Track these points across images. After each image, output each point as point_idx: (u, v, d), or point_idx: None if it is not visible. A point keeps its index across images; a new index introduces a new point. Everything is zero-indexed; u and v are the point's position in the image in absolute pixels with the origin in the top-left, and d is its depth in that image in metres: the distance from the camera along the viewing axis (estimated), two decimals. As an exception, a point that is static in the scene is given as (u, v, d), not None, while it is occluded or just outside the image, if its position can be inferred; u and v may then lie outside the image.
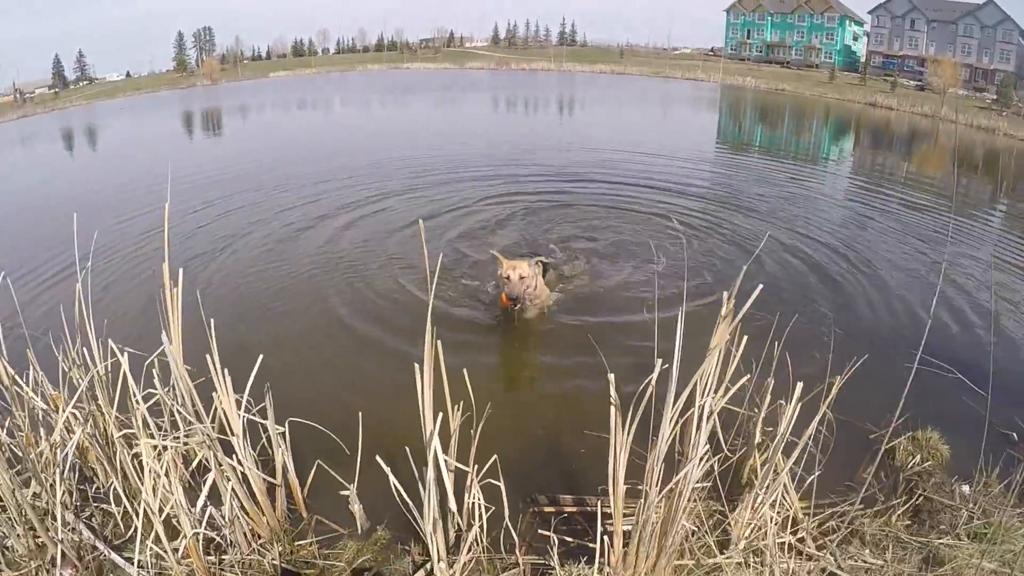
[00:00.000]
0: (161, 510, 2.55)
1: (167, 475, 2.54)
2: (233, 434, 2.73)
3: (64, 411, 2.90)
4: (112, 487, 2.88)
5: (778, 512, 2.82)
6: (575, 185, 11.02)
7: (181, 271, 3.04)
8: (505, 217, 8.80)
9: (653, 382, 2.26)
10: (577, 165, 13.03)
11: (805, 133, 26.48)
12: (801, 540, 2.91)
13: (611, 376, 2.37)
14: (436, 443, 2.41)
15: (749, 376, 2.87)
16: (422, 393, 2.47)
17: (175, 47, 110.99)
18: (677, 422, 2.27)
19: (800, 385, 2.69)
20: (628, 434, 2.28)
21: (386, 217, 8.94)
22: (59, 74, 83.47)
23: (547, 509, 3.23)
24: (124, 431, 2.94)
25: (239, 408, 2.78)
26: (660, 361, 2.24)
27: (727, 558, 2.70)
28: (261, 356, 2.94)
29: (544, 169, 12.73)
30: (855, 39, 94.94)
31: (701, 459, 2.33)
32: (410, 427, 2.76)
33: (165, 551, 2.59)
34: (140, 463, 2.63)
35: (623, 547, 2.49)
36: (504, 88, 47.44)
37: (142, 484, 2.55)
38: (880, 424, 3.90)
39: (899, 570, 2.72)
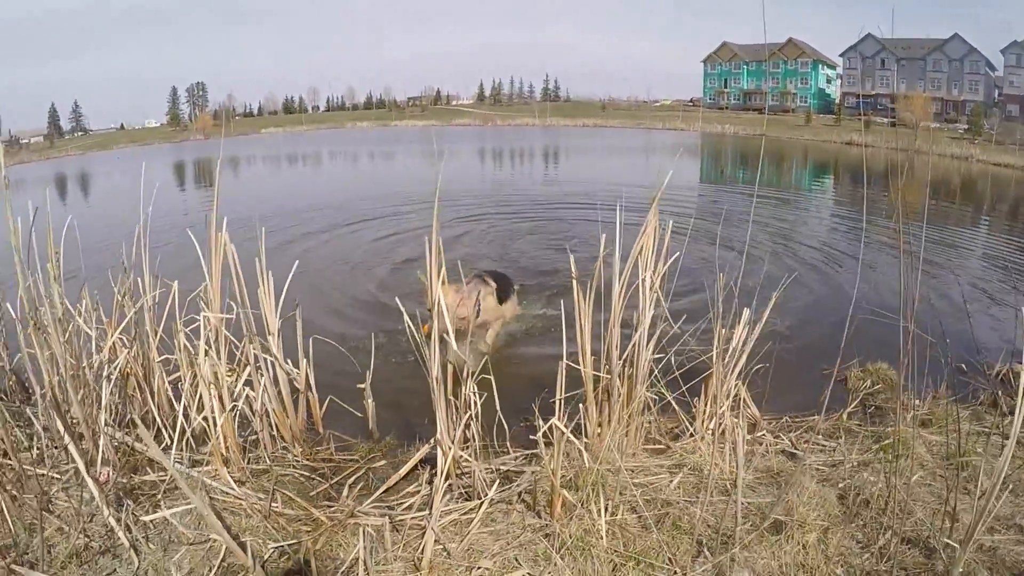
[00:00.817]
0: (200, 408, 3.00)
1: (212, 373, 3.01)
2: (270, 333, 3.23)
3: (112, 335, 3.35)
4: (149, 409, 3.34)
5: (739, 415, 3.30)
6: (552, 209, 11.85)
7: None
8: (479, 232, 9.63)
9: (601, 257, 2.83)
10: (558, 196, 13.93)
11: (784, 174, 27.52)
12: (760, 434, 3.41)
13: (571, 254, 2.95)
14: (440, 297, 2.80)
15: (679, 254, 3.30)
16: (429, 262, 2.87)
17: (169, 101, 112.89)
18: (626, 294, 2.82)
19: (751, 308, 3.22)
20: (589, 304, 2.82)
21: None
22: (54, 123, 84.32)
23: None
24: (165, 356, 3.43)
25: (277, 309, 3.26)
26: (604, 236, 2.83)
27: (691, 438, 3.18)
28: (297, 262, 3.50)
29: (525, 198, 13.67)
30: (828, 82, 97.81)
31: (648, 328, 2.87)
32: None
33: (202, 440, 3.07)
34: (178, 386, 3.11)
35: (597, 415, 2.98)
36: (489, 140, 48.88)
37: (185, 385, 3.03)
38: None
39: (850, 451, 3.18)
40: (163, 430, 3.21)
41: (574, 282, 2.80)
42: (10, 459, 2.79)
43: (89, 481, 2.57)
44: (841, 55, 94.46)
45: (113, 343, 3.30)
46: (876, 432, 3.38)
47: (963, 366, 4.42)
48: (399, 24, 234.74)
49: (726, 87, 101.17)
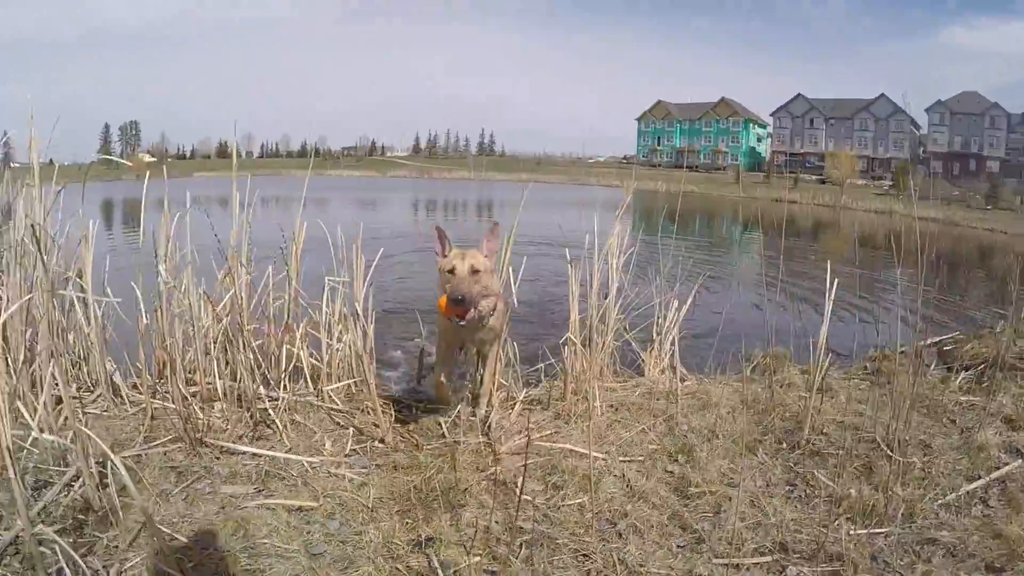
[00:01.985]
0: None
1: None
2: (356, 300, 4.53)
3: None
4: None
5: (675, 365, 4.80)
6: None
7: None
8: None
9: (584, 250, 4.36)
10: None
11: (715, 229, 30.03)
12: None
13: (567, 252, 4.46)
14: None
15: (634, 248, 4.94)
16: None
17: (101, 139, 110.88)
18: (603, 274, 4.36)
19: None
20: (577, 280, 4.33)
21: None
22: None
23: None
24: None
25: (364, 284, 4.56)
26: (587, 236, 4.37)
27: (642, 381, 4.68)
28: (382, 250, 4.83)
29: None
30: (759, 140, 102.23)
31: (617, 293, 4.40)
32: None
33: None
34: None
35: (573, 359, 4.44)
36: (425, 192, 50.57)
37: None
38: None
39: (749, 385, 4.70)
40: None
41: (569, 267, 4.32)
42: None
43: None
44: (772, 114, 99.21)
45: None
46: (768, 377, 4.97)
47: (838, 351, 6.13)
48: (335, 73, 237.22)
49: (659, 144, 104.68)
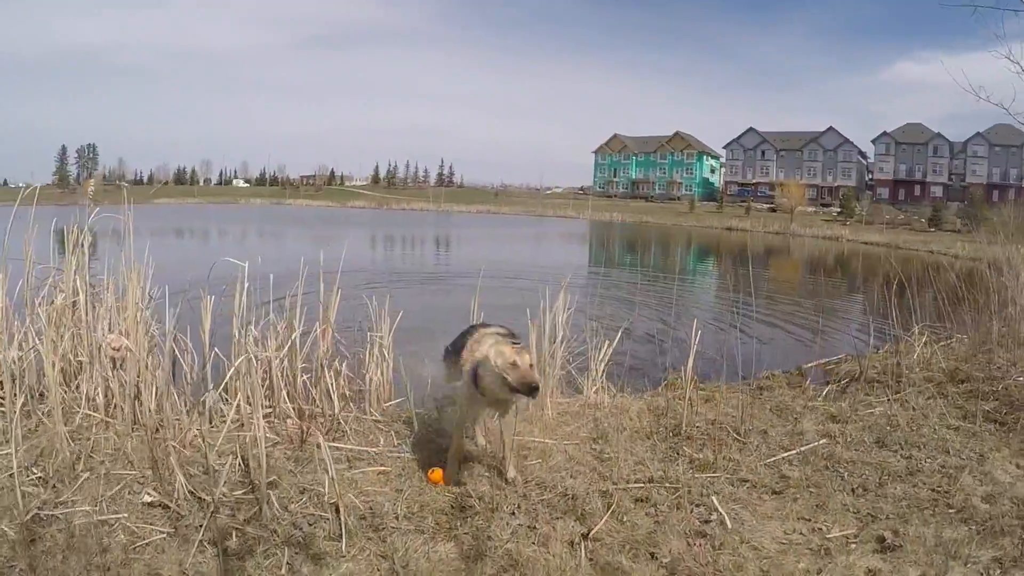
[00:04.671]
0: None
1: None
2: (383, 344, 6.65)
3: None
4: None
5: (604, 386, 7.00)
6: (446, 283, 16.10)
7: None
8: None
9: (542, 314, 6.58)
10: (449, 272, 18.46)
11: (670, 256, 32.30)
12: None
13: (530, 323, 6.66)
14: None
15: (573, 308, 7.23)
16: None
17: (57, 161, 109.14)
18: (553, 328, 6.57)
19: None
20: (536, 330, 6.55)
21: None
22: None
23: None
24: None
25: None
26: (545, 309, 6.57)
27: (581, 398, 6.89)
28: (389, 297, 6.97)
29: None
30: (712, 171, 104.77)
31: (562, 340, 6.62)
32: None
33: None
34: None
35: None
36: (384, 226, 52.35)
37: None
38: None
39: (656, 399, 6.94)
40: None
41: (529, 322, 6.51)
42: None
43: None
44: (725, 147, 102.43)
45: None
46: (673, 393, 7.20)
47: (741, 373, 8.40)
48: (296, 100, 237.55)
49: (615, 176, 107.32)
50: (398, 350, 6.59)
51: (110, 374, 5.89)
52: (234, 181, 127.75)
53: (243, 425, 5.71)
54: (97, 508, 4.30)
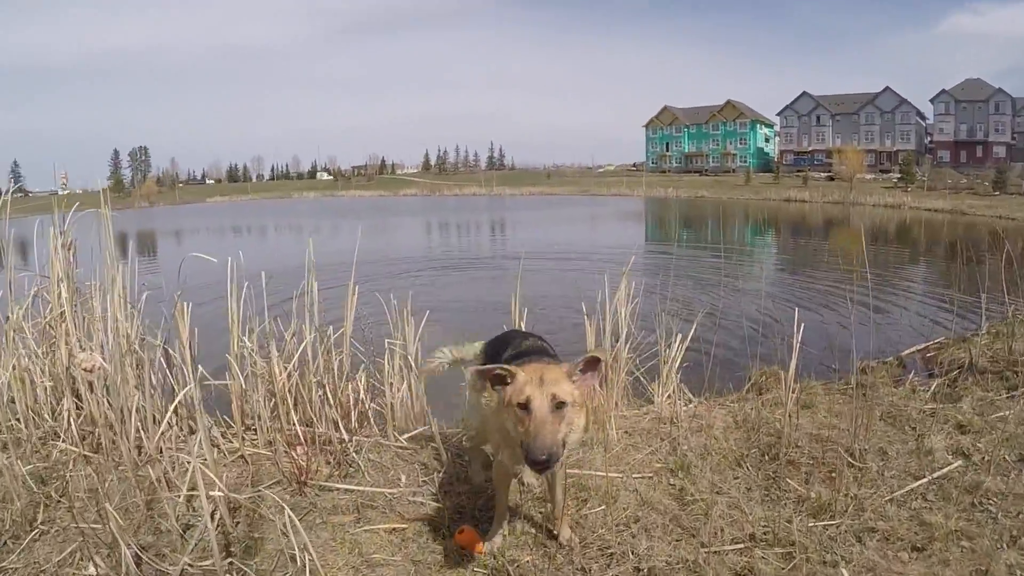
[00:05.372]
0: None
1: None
2: (409, 355, 5.51)
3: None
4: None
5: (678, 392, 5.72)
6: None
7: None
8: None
9: (597, 303, 5.32)
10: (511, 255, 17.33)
11: (728, 232, 30.91)
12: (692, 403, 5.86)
13: (583, 304, 5.42)
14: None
15: (638, 300, 5.90)
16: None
17: (110, 165, 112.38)
18: (615, 323, 5.31)
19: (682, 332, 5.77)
20: (593, 326, 5.29)
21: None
22: None
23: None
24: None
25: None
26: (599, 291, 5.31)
27: (651, 409, 5.63)
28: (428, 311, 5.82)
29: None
30: (767, 140, 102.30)
31: (626, 338, 5.35)
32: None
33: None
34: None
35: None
36: (436, 212, 51.88)
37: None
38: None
39: (742, 407, 5.62)
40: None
41: (586, 318, 5.27)
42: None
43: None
44: (778, 114, 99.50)
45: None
46: (760, 397, 5.88)
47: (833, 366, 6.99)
48: (344, 91, 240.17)
49: (668, 150, 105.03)
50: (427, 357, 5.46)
51: (88, 398, 4.93)
52: (318, 174, 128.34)
53: (243, 457, 4.72)
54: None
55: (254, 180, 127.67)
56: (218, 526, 3.74)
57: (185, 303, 4.84)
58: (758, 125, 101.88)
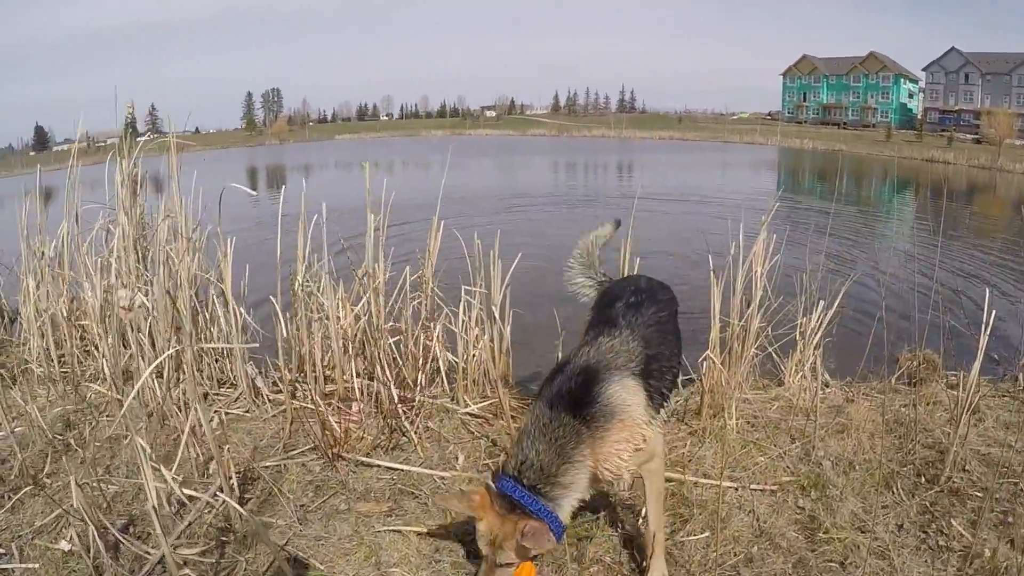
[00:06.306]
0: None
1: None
2: (494, 304, 4.54)
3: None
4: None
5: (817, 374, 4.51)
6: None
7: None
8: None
9: (730, 253, 4.16)
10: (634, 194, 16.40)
11: (864, 189, 28.29)
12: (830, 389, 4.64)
13: (708, 256, 4.29)
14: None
15: (779, 257, 4.59)
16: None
17: (244, 107, 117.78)
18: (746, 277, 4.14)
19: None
20: (720, 285, 4.14)
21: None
22: (131, 125, 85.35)
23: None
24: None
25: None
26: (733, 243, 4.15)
27: (780, 393, 4.47)
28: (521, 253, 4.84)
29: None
30: (911, 96, 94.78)
31: (760, 303, 4.17)
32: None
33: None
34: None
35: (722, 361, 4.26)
36: (563, 153, 50.47)
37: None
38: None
39: (892, 400, 4.38)
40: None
41: (711, 274, 4.14)
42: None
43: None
44: (924, 69, 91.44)
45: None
46: (914, 391, 4.57)
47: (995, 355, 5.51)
48: (474, 30, 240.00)
49: (805, 101, 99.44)
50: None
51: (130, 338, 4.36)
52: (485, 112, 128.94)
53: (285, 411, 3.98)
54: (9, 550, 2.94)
55: (383, 119, 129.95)
56: (222, 503, 3.01)
57: (230, 238, 4.28)
58: (902, 80, 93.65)
